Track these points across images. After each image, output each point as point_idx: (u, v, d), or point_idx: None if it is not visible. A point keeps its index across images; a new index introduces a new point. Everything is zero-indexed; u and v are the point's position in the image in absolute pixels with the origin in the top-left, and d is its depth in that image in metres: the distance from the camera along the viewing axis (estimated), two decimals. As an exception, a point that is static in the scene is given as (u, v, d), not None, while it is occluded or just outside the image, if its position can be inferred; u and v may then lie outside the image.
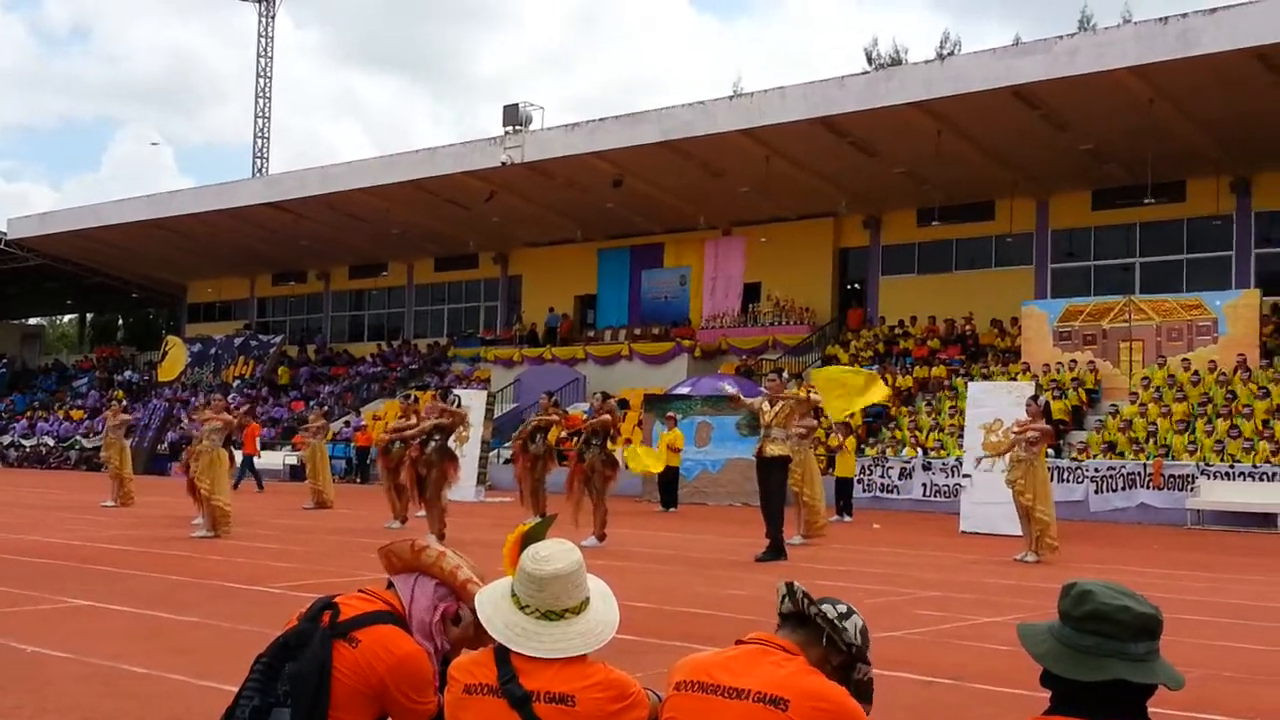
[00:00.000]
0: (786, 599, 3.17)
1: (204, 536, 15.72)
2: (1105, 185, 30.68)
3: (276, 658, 3.49)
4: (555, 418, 18.95)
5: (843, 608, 3.16)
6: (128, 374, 51.19)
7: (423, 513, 16.83)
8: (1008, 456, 15.47)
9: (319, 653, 3.43)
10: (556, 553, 3.28)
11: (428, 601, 3.60)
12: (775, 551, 14.01)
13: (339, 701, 3.41)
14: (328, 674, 3.41)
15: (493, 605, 3.29)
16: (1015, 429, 15.59)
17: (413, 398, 19.38)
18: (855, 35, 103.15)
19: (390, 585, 3.66)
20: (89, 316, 67.28)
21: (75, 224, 45.71)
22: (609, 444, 16.11)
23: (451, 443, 16.49)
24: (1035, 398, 15.90)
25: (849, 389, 16.30)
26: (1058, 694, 2.56)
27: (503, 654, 3.22)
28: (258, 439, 30.53)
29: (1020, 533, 15.49)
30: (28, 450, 45.53)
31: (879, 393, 17.32)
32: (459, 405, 16.81)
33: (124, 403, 30.25)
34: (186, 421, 24.09)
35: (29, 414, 49.07)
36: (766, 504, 14.42)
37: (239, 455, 23.72)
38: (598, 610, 3.31)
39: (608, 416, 15.92)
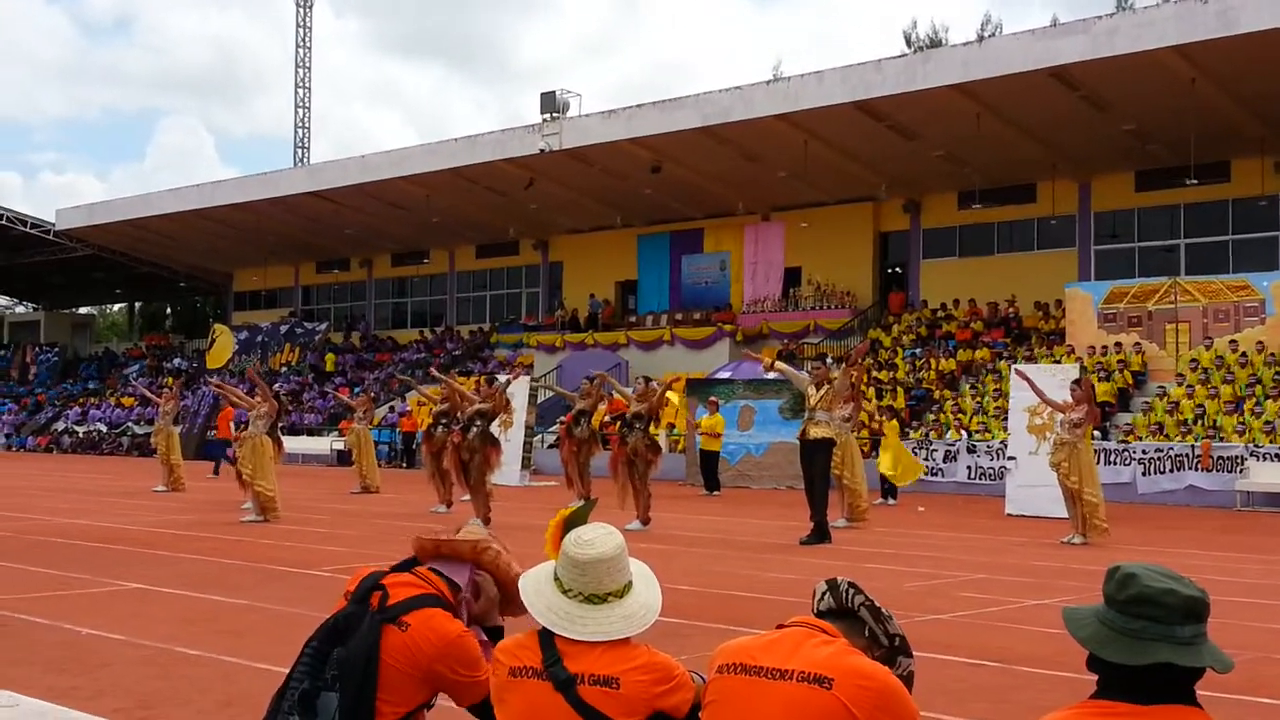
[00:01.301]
0: (827, 596, 3.18)
1: (253, 521, 15.92)
2: (1148, 166, 30.37)
3: (325, 642, 3.54)
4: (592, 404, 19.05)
5: (884, 607, 3.20)
6: (176, 361, 51.79)
7: (467, 497, 16.96)
8: (1051, 439, 15.37)
9: (367, 638, 3.48)
10: (599, 537, 3.31)
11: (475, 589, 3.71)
12: (820, 535, 14.01)
13: (388, 684, 3.47)
14: (375, 659, 3.47)
15: (535, 589, 3.32)
16: (1059, 412, 15.48)
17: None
18: (893, 18, 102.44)
19: (434, 569, 3.72)
20: (137, 305, 68.07)
21: (122, 214, 46.26)
22: (652, 427, 16.17)
23: (495, 427, 16.61)
24: (1079, 381, 15.78)
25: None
26: (1104, 678, 2.55)
27: (547, 637, 3.24)
28: (232, 423, 30.23)
29: (1067, 515, 15.39)
30: (81, 437, 46.22)
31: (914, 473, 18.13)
32: (505, 390, 16.93)
33: (177, 390, 30.61)
34: (216, 388, 24.47)
35: (81, 401, 49.74)
36: (810, 487, 14.44)
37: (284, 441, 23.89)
38: (640, 594, 3.34)
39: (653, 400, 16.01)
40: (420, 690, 3.54)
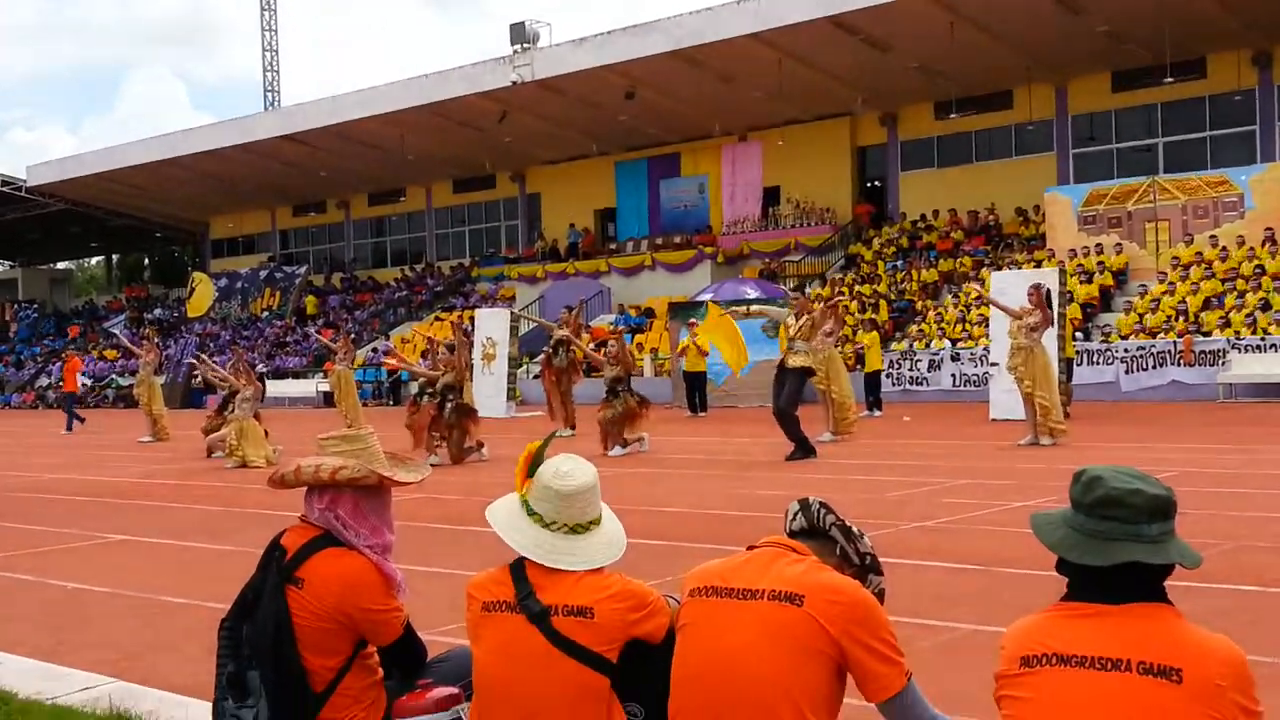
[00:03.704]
0: (799, 516, 3.19)
1: (237, 466, 15.95)
2: (1124, 66, 30.18)
3: (237, 619, 3.53)
4: (572, 332, 19.00)
5: (854, 526, 3.21)
6: (157, 311, 51.56)
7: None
8: (1010, 344, 15.44)
9: (270, 607, 3.45)
10: (576, 468, 3.31)
11: (329, 510, 3.57)
12: (804, 450, 14.06)
13: (309, 642, 3.43)
14: (286, 625, 3.42)
15: (511, 524, 3.30)
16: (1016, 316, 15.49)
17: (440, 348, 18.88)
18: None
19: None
20: (115, 258, 67.60)
21: (94, 168, 45.74)
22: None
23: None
24: (1038, 285, 15.85)
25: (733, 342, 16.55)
26: (1074, 580, 2.55)
27: (519, 570, 3.24)
28: (79, 375, 29.62)
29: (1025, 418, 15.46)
30: (79, 390, 45.91)
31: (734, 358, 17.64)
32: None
33: (156, 340, 30.35)
34: (199, 363, 24.43)
35: (81, 356, 49.53)
36: (779, 416, 14.38)
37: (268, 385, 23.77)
38: (608, 522, 3.35)
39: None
40: (343, 637, 3.47)
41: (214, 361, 23.69)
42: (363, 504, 3.57)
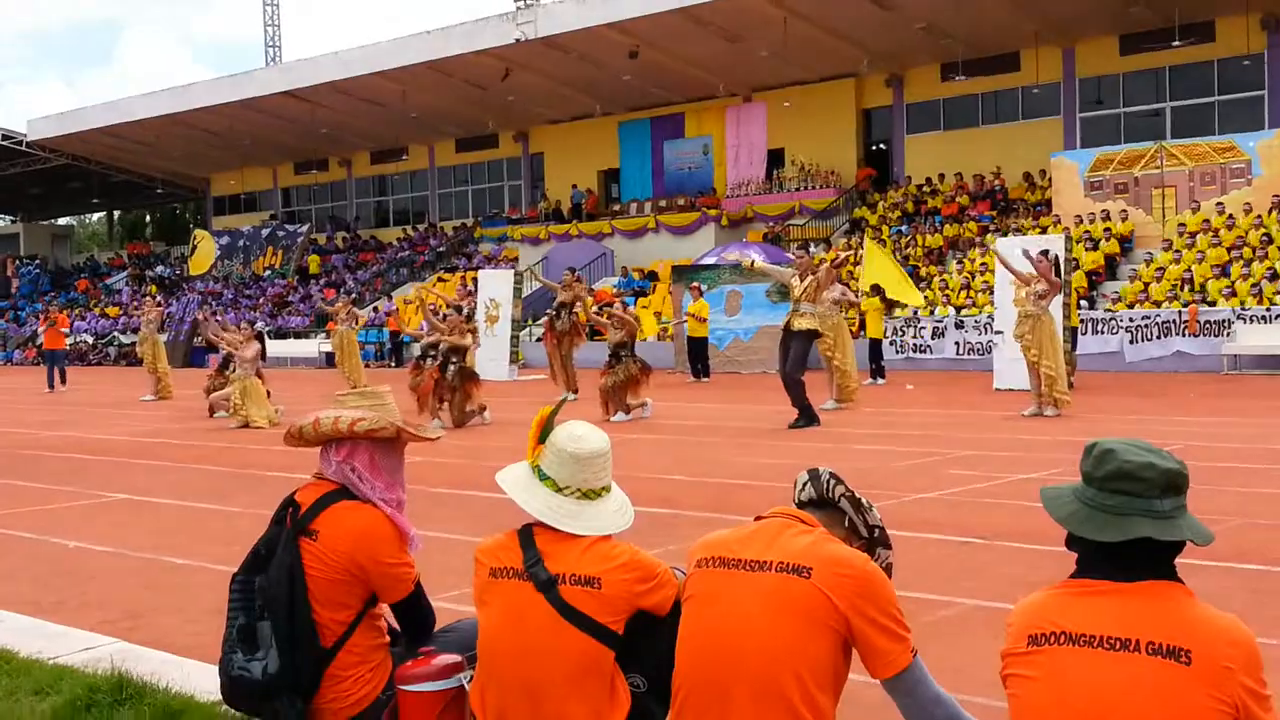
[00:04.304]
0: (809, 485, 3.17)
1: (240, 426, 15.94)
2: (1132, 29, 29.95)
3: (249, 572, 3.55)
4: (576, 294, 18.94)
5: (864, 498, 3.18)
6: (159, 269, 51.44)
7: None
8: (1017, 311, 15.33)
9: (284, 558, 3.48)
10: (589, 432, 3.32)
11: (346, 462, 3.63)
12: (807, 418, 14.02)
13: (320, 595, 3.47)
14: (299, 577, 3.46)
15: (525, 488, 3.30)
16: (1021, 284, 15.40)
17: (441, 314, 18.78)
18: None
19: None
20: (116, 214, 67.40)
21: (94, 122, 45.49)
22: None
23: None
24: (1045, 252, 15.71)
25: (891, 276, 16.81)
26: (1084, 556, 2.53)
27: (527, 537, 3.24)
28: (66, 331, 28.66)
29: (1030, 388, 15.39)
30: (68, 349, 45.92)
31: (911, 297, 18.05)
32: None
33: (157, 298, 30.18)
34: (203, 320, 24.30)
35: (66, 312, 49.47)
36: (785, 380, 14.35)
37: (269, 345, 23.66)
38: (617, 491, 3.35)
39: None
40: (353, 591, 3.51)
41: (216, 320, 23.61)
42: (379, 458, 3.64)
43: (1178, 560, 2.48)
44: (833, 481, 3.15)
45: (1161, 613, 2.39)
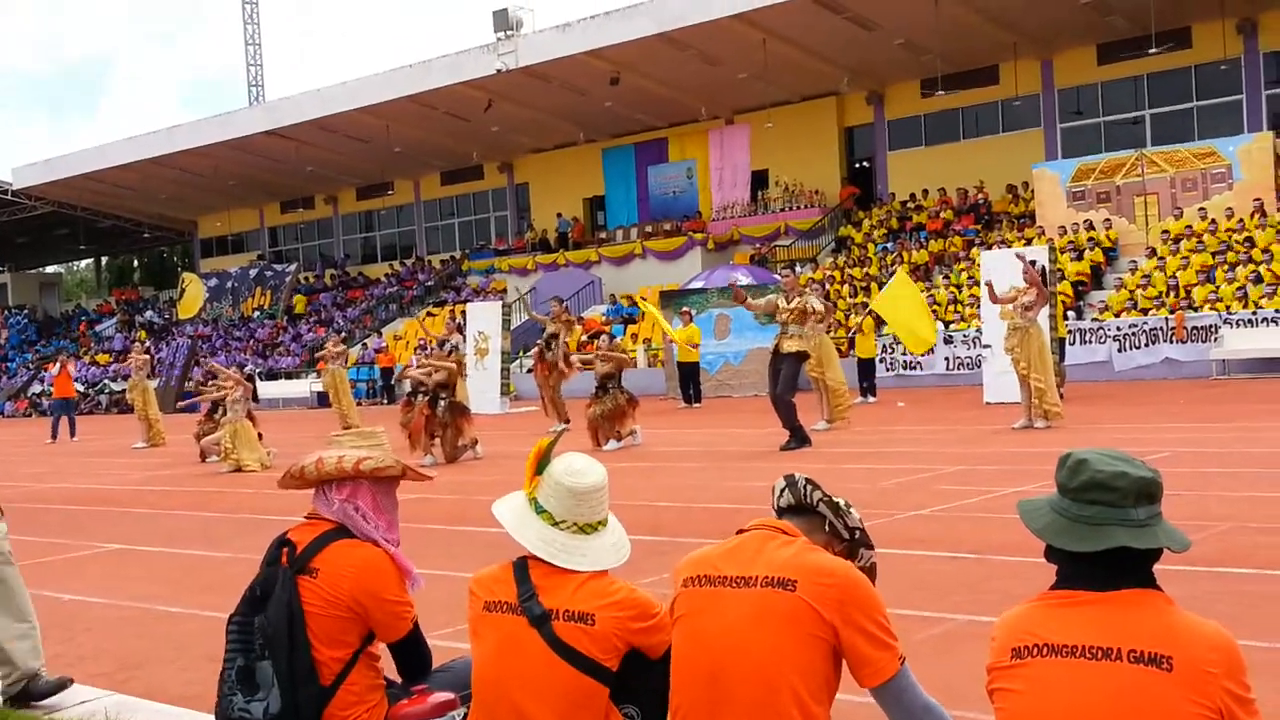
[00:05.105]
0: (786, 492, 3.18)
1: (232, 470, 15.91)
2: (1109, 39, 30.16)
3: (248, 613, 3.53)
4: (563, 325, 18.98)
5: (841, 500, 3.19)
6: (149, 314, 51.40)
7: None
8: (1006, 325, 15.37)
9: (282, 596, 3.47)
10: (587, 465, 3.31)
11: (349, 501, 3.63)
12: (799, 440, 14.02)
13: (319, 633, 3.45)
14: (298, 616, 3.45)
15: (520, 520, 3.30)
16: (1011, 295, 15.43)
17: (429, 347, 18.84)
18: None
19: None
20: (104, 260, 67.36)
21: (79, 168, 45.51)
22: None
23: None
24: (1033, 262, 15.74)
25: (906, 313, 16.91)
26: (1063, 568, 2.54)
27: (522, 570, 3.23)
28: (71, 380, 28.14)
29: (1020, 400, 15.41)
30: (77, 396, 45.75)
31: (914, 342, 18.92)
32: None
33: (146, 343, 30.11)
34: (204, 366, 24.17)
35: (56, 362, 49.35)
36: (775, 397, 14.37)
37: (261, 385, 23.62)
38: (614, 525, 3.34)
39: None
40: (352, 629, 3.50)
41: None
42: (380, 497, 3.66)
43: (1165, 566, 2.50)
44: (809, 486, 3.16)
45: (1142, 621, 2.40)
